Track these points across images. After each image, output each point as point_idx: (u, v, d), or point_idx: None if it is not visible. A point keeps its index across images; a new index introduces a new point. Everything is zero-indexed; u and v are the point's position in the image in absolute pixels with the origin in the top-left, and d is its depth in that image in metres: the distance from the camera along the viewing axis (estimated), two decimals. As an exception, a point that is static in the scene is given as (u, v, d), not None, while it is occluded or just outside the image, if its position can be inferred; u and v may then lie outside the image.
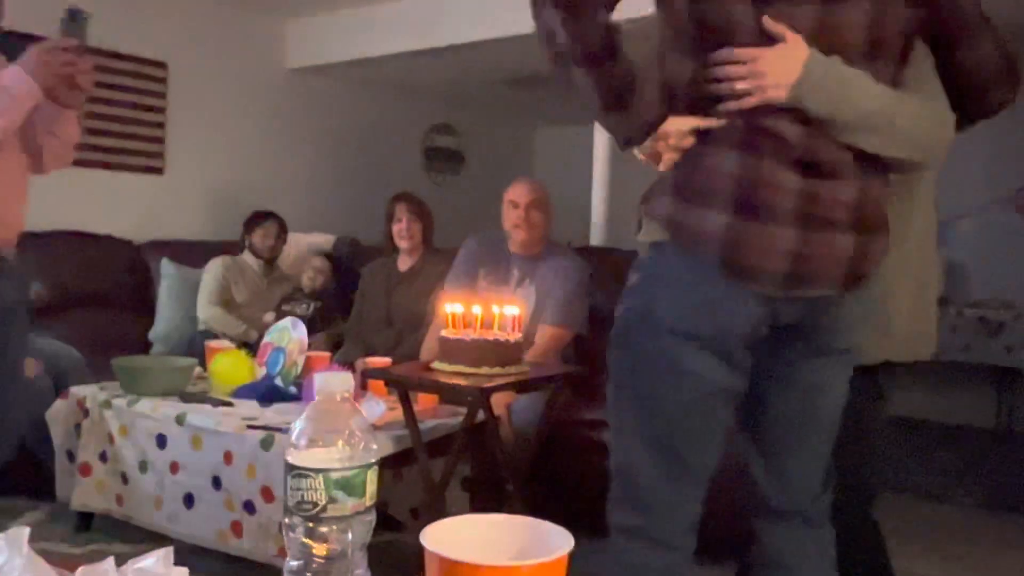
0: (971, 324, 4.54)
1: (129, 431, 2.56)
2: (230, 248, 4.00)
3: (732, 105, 1.24)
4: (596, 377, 3.01)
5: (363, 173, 5.41)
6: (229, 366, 2.77)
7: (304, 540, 0.68)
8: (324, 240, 4.38)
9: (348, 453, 0.68)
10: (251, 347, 3.07)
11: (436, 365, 2.36)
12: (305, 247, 4.23)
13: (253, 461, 2.28)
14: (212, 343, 3.02)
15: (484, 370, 2.29)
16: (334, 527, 0.68)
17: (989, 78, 1.36)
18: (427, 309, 3.26)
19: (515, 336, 2.37)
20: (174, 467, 2.46)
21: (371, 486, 0.68)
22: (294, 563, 0.69)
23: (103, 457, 2.60)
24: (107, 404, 2.60)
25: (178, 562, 0.73)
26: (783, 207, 1.21)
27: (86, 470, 2.61)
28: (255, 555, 2.27)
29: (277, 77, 4.91)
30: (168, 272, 3.97)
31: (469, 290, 2.96)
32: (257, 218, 3.99)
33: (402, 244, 3.46)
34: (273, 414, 2.49)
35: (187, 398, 2.63)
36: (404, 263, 3.51)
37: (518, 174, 6.36)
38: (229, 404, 2.59)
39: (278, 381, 2.72)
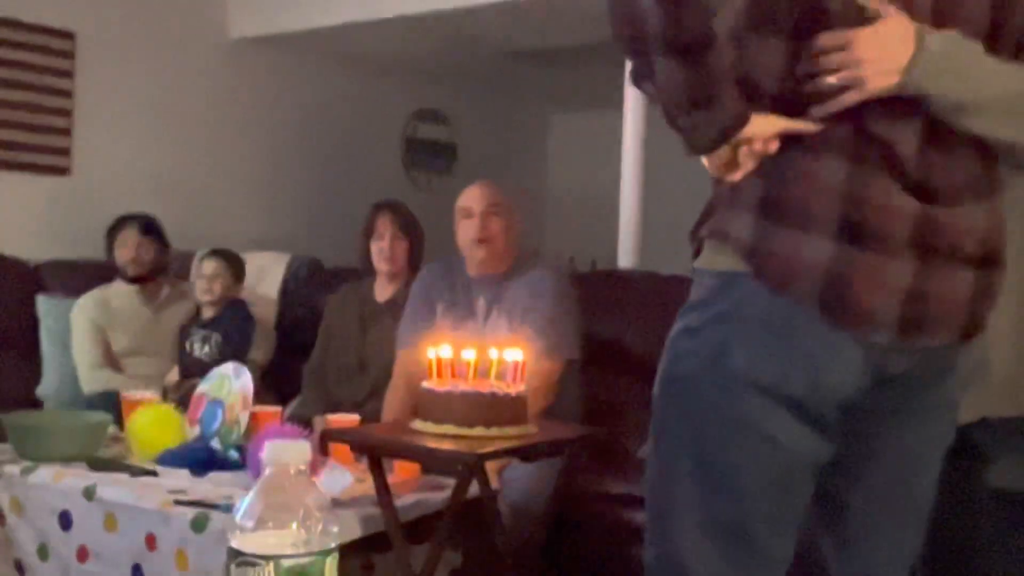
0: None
1: (24, 507, 2.60)
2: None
3: (831, 106, 1.27)
4: (621, 439, 3.08)
5: (327, 174, 5.43)
6: (152, 424, 2.81)
7: (251, 643, 0.74)
8: (275, 261, 4.40)
9: (304, 537, 0.74)
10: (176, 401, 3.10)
11: (417, 425, 2.39)
12: (252, 270, 4.25)
13: (183, 546, 2.31)
14: (130, 395, 3.04)
15: (478, 431, 2.32)
16: (287, 627, 0.74)
17: None
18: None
19: (517, 388, 2.41)
20: (82, 554, 2.49)
21: (330, 576, 0.75)
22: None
23: (-9, 541, 2.64)
24: (-4, 473, 2.64)
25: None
26: (899, 234, 1.25)
27: (-31, 558, 2.66)
28: (186, 668, 2.30)
29: (216, 51, 4.96)
30: (48, 310, 3.91)
31: (426, 332, 2.97)
32: (112, 229, 3.89)
33: (382, 267, 3.50)
34: (208, 486, 2.52)
35: (98, 465, 2.66)
36: (382, 291, 3.54)
37: (525, 173, 6.45)
38: (152, 473, 2.62)
39: (215, 444, 2.75)
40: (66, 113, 4.42)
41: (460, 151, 6.32)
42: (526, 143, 6.85)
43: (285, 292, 4.28)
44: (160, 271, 3.96)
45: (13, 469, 2.64)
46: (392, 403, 3.11)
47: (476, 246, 3.05)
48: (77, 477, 2.57)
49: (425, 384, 2.42)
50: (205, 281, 3.85)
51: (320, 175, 5.43)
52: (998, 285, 1.35)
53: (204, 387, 2.92)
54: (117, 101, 4.60)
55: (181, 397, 3.06)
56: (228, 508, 2.30)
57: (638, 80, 1.32)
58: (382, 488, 2.35)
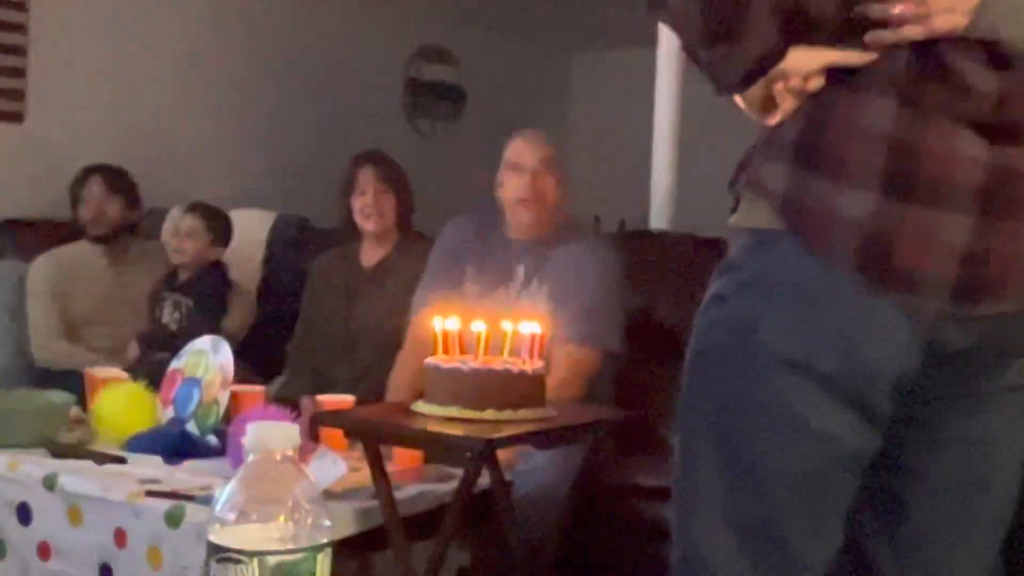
0: None
1: (-23, 499, 2.62)
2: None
3: (888, 36, 1.26)
4: (653, 423, 3.08)
5: (318, 121, 5.42)
6: (121, 405, 2.82)
7: (233, 648, 0.75)
8: (259, 220, 4.40)
9: (292, 531, 0.75)
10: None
11: (420, 407, 2.40)
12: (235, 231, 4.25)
13: (157, 543, 2.32)
14: (96, 371, 3.07)
15: (489, 414, 2.33)
16: (274, 631, 0.75)
17: None
18: (399, 325, 3.28)
19: (533, 365, 2.42)
20: (44, 550, 2.50)
21: (322, 575, 0.76)
22: None
23: (-59, 536, 2.65)
24: (-54, 460, 2.65)
25: None
26: (959, 185, 1.24)
27: (-84, 554, 2.67)
28: (160, 677, 2.32)
29: (191, -21, 4.97)
30: (3, 272, 3.95)
31: (451, 297, 2.98)
32: (81, 178, 3.93)
33: (367, 227, 3.51)
34: (185, 475, 2.54)
35: (60, 452, 2.67)
36: (370, 255, 3.56)
37: (545, 121, 6.41)
38: (121, 460, 2.64)
39: (191, 427, 2.77)
40: (20, 51, 4.41)
41: (469, 95, 6.30)
42: (544, 86, 6.83)
43: (270, 255, 4.30)
44: (127, 229, 3.99)
45: (-36, 456, 2.66)
46: (400, 379, 3.12)
47: (524, 206, 3.05)
48: (36, 465, 2.58)
49: (429, 360, 2.43)
50: (177, 239, 3.87)
51: (310, 122, 5.42)
52: None
53: (178, 363, 2.94)
54: (78, 37, 4.59)
55: (147, 373, 3.07)
56: (206, 500, 2.31)
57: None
58: (380, 478, 2.36)
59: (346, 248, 3.63)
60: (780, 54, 1.29)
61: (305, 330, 3.63)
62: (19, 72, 4.42)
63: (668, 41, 4.22)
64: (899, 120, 1.25)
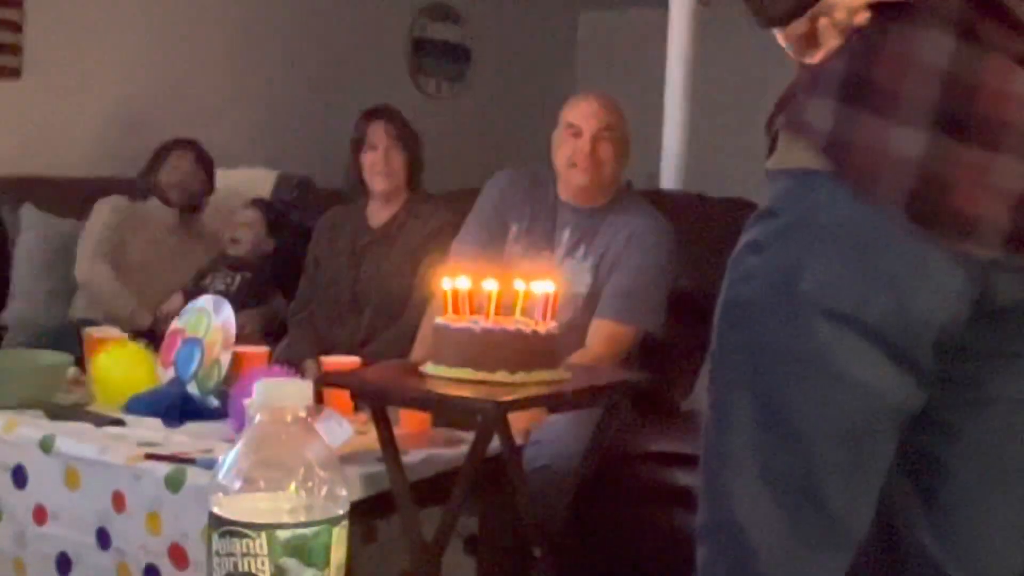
0: None
1: (-28, 461, 2.60)
2: (124, 190, 4.01)
3: None
4: (667, 388, 3.05)
5: (320, 79, 5.41)
6: (120, 366, 2.80)
7: (239, 631, 0.69)
8: (261, 179, 4.40)
9: (304, 502, 0.68)
10: (147, 339, 3.08)
11: (428, 369, 2.38)
12: (232, 190, 4.24)
13: (156, 507, 2.31)
14: (94, 331, 3.04)
15: (500, 376, 2.31)
16: (284, 612, 0.69)
17: None
18: (417, 284, 3.26)
19: (546, 326, 2.38)
20: (40, 515, 2.49)
21: (338, 550, 0.70)
22: (223, 664, 0.70)
23: (-66, 499, 2.64)
24: (-61, 420, 2.64)
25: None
26: (1015, 126, 1.20)
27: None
28: (159, 647, 2.31)
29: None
30: (31, 224, 4.00)
31: (491, 254, 2.96)
32: (164, 149, 4.02)
33: (377, 185, 3.48)
34: (185, 438, 2.52)
35: (57, 413, 2.65)
36: (378, 215, 3.53)
37: (552, 81, 6.39)
38: (120, 423, 2.62)
39: (192, 389, 2.74)
40: (17, 3, 4.35)
41: (475, 54, 6.29)
42: (552, 45, 6.82)
43: (270, 209, 4.24)
44: (201, 206, 4.10)
45: (-42, 416, 2.64)
46: (426, 336, 3.05)
47: (580, 172, 3.01)
48: (32, 427, 2.56)
49: (439, 320, 2.41)
50: (234, 227, 3.98)
51: (312, 80, 5.40)
52: None
53: (179, 323, 2.92)
54: (76, -10, 4.54)
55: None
56: (207, 463, 2.30)
57: None
58: (387, 442, 2.34)
59: (353, 206, 3.60)
60: None
61: (308, 290, 3.60)
62: (16, 27, 4.38)
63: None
64: (956, 55, 1.21)
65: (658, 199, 3.81)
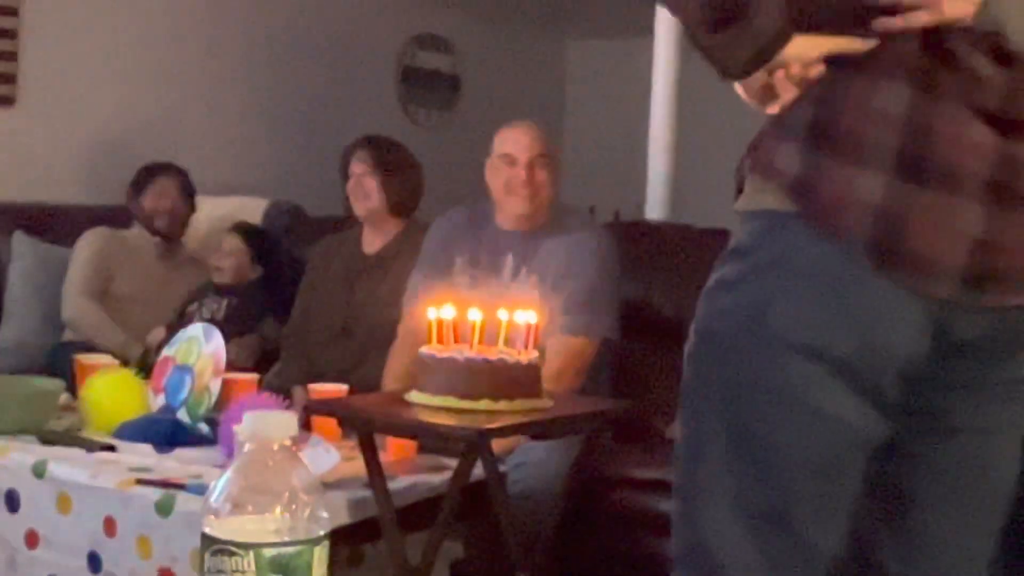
0: None
1: (-35, 486, 2.61)
2: (115, 218, 4.04)
3: (897, 23, 1.26)
4: (649, 415, 3.07)
5: (311, 108, 5.41)
6: (111, 392, 2.81)
7: (228, 644, 0.74)
8: (251, 207, 4.40)
9: (289, 523, 0.73)
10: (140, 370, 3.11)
11: (413, 397, 2.40)
12: (223, 218, 4.25)
13: (146, 531, 2.32)
14: (85, 358, 3.06)
15: (484, 404, 2.33)
16: (269, 625, 0.74)
17: None
18: (397, 314, 3.27)
19: (529, 355, 2.41)
20: (31, 539, 2.50)
21: (319, 568, 0.75)
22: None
23: (-73, 523, 2.65)
24: (-67, 446, 2.64)
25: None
26: (971, 172, 1.24)
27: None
28: (149, 669, 2.32)
29: (184, -37, 4.95)
30: (22, 251, 4.00)
31: (443, 292, 2.94)
32: (149, 173, 4.01)
33: (356, 210, 3.51)
34: (175, 463, 2.54)
35: (49, 439, 2.67)
36: (371, 242, 3.55)
37: (540, 109, 6.42)
38: (111, 448, 2.64)
39: (182, 415, 2.76)
40: (11, 34, 4.38)
41: (464, 83, 6.30)
42: (540, 75, 6.82)
43: (258, 237, 4.25)
44: (183, 232, 4.10)
45: (-48, 442, 2.65)
46: (393, 369, 3.12)
47: (518, 199, 3.06)
48: (25, 452, 2.58)
49: (424, 350, 2.42)
50: (220, 255, 3.96)
51: (303, 109, 5.41)
52: None
53: (170, 350, 2.93)
54: (71, 21, 4.56)
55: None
56: (197, 489, 2.31)
57: None
58: (373, 468, 2.36)
59: (347, 234, 3.63)
60: (785, 40, 1.28)
61: (302, 315, 3.62)
62: (11, 56, 4.39)
63: (665, 30, 4.22)
64: (913, 103, 1.25)
65: (643, 229, 3.88)
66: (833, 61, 1.30)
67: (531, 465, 2.71)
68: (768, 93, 1.33)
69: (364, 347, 3.40)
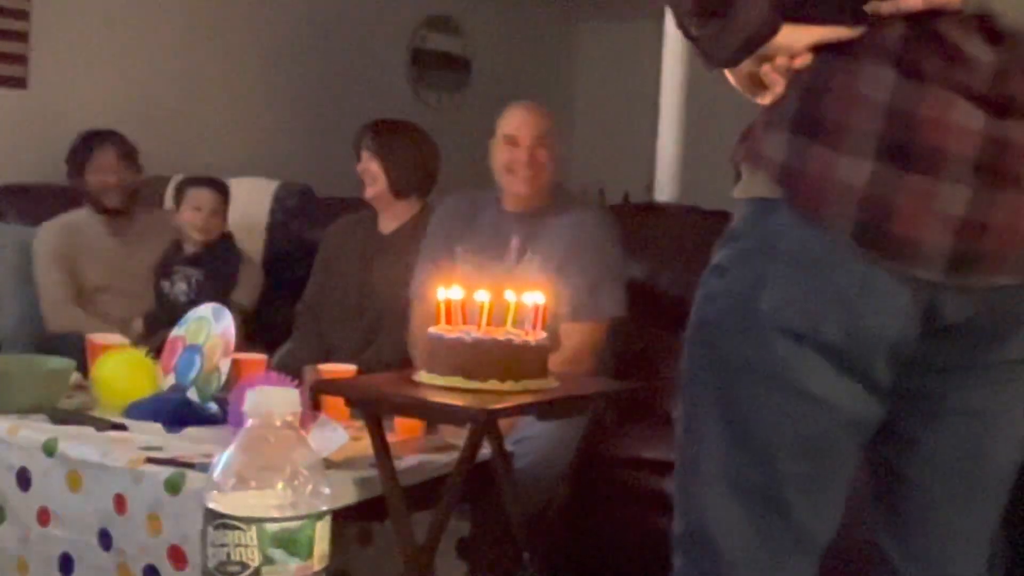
0: None
1: (-23, 464, 2.63)
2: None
3: (886, 7, 1.27)
4: (656, 395, 3.08)
5: (321, 90, 5.41)
6: (122, 371, 2.83)
7: (231, 615, 0.75)
8: (261, 188, 4.39)
9: (290, 498, 0.75)
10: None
11: (421, 377, 2.41)
12: (233, 200, 4.23)
13: (156, 509, 2.34)
14: (97, 337, 3.07)
15: (491, 384, 2.34)
16: (271, 598, 0.75)
17: None
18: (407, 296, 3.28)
19: (536, 336, 2.42)
20: (43, 516, 2.52)
21: (321, 543, 0.76)
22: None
23: (-60, 500, 2.67)
24: (-55, 424, 2.66)
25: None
26: (956, 155, 1.25)
27: (-84, 519, 2.68)
28: (159, 643, 2.34)
29: (195, -55, 4.95)
30: (7, 238, 3.93)
31: (444, 274, 2.95)
32: (87, 143, 3.85)
33: (366, 193, 3.54)
34: (185, 442, 2.55)
35: (60, 417, 2.68)
36: (388, 223, 3.56)
37: (550, 92, 6.41)
38: (122, 427, 2.65)
39: (192, 395, 2.78)
40: (23, 15, 4.38)
41: (475, 66, 6.29)
42: (550, 57, 6.82)
43: (272, 225, 4.28)
44: (135, 201, 3.94)
45: (-36, 421, 2.67)
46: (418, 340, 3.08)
47: (519, 179, 3.07)
48: (36, 431, 2.59)
49: (432, 330, 2.43)
50: (202, 216, 3.82)
51: (313, 91, 5.41)
52: None
53: (180, 331, 2.94)
54: (81, 2, 4.56)
55: (156, 350, 3.05)
56: (206, 467, 2.25)
57: None
58: (381, 448, 2.37)
59: (364, 214, 3.64)
60: (773, 31, 1.30)
61: (316, 293, 3.62)
62: (22, 37, 4.40)
63: (675, 12, 4.21)
64: (897, 89, 1.26)
65: (652, 211, 3.88)
66: (820, 50, 1.31)
67: (536, 444, 2.73)
68: (756, 83, 1.35)
69: (375, 327, 3.42)
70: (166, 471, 2.35)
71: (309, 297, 3.64)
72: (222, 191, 3.91)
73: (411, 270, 3.29)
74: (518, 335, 2.41)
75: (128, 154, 3.88)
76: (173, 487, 2.32)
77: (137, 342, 3.33)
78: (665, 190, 4.29)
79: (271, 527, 0.75)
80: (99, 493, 2.42)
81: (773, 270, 1.31)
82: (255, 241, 4.23)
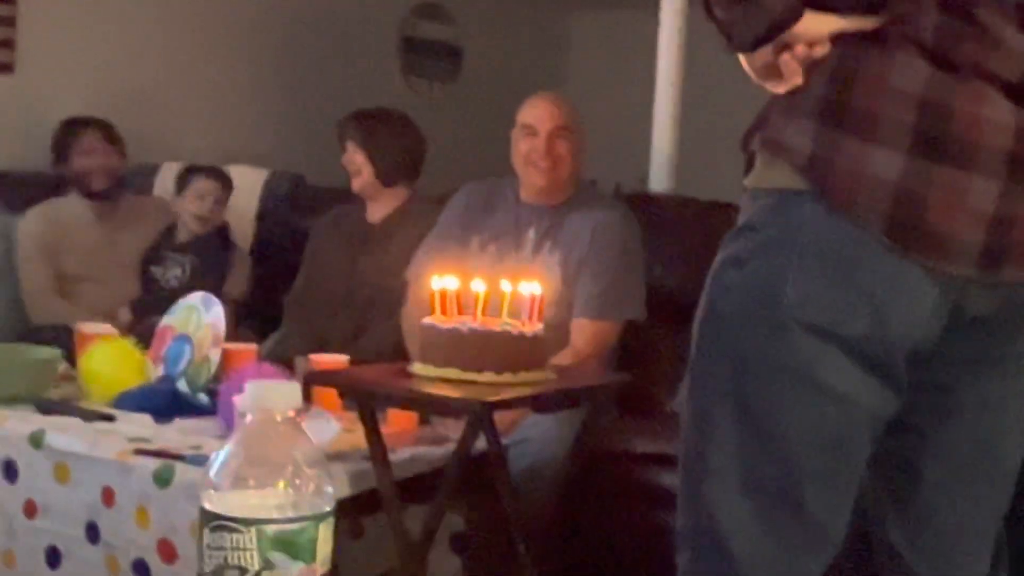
0: None
1: (-38, 455, 2.61)
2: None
3: None
4: (653, 388, 3.07)
5: (311, 78, 5.41)
6: (110, 362, 2.81)
7: (228, 622, 0.72)
8: (252, 176, 4.39)
9: (292, 498, 0.71)
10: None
11: (416, 369, 2.40)
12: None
13: (145, 502, 2.33)
14: (85, 326, 3.06)
15: (487, 376, 2.33)
16: (272, 604, 0.72)
17: None
18: (401, 283, 3.27)
19: (533, 327, 2.40)
20: (30, 508, 2.51)
21: (324, 546, 0.72)
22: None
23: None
24: (-70, 414, 2.65)
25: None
26: (988, 148, 1.24)
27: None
28: (148, 641, 2.33)
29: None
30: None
31: (456, 262, 2.96)
32: (71, 129, 3.86)
33: (353, 185, 3.54)
34: (174, 434, 2.54)
35: (47, 408, 2.67)
36: (376, 212, 3.56)
37: (544, 82, 6.39)
38: (110, 418, 2.64)
39: (182, 385, 2.76)
40: (10, 0, 4.35)
41: (467, 54, 6.28)
42: (543, 46, 6.82)
43: (262, 213, 4.27)
44: (121, 186, 3.93)
45: (-51, 411, 2.65)
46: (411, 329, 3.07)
47: (538, 171, 3.05)
48: (22, 421, 2.58)
49: (427, 320, 2.42)
50: (205, 206, 3.84)
51: (303, 79, 5.40)
52: None
53: (169, 319, 2.92)
54: (70, -13, 4.55)
55: (143, 338, 3.02)
56: (196, 459, 2.31)
57: None
58: (374, 440, 2.36)
59: (352, 206, 3.63)
60: (796, 16, 1.28)
61: (305, 283, 3.63)
62: (9, 21, 4.37)
63: (670, 2, 4.20)
64: (930, 80, 1.25)
65: (647, 202, 3.85)
66: (847, 38, 1.29)
67: (534, 439, 2.71)
68: (772, 72, 1.32)
69: (365, 316, 3.42)
70: (155, 463, 2.34)
71: (298, 290, 3.63)
72: (225, 182, 3.93)
73: (401, 258, 3.28)
74: (514, 326, 2.39)
75: (113, 138, 3.88)
76: (162, 480, 2.31)
77: (125, 330, 3.31)
78: (660, 180, 4.27)
79: (271, 529, 0.71)
80: (87, 485, 2.42)
81: (798, 264, 1.29)
82: (245, 229, 4.21)
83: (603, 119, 6.47)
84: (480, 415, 2.28)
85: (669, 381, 3.07)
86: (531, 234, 3.06)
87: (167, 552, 2.30)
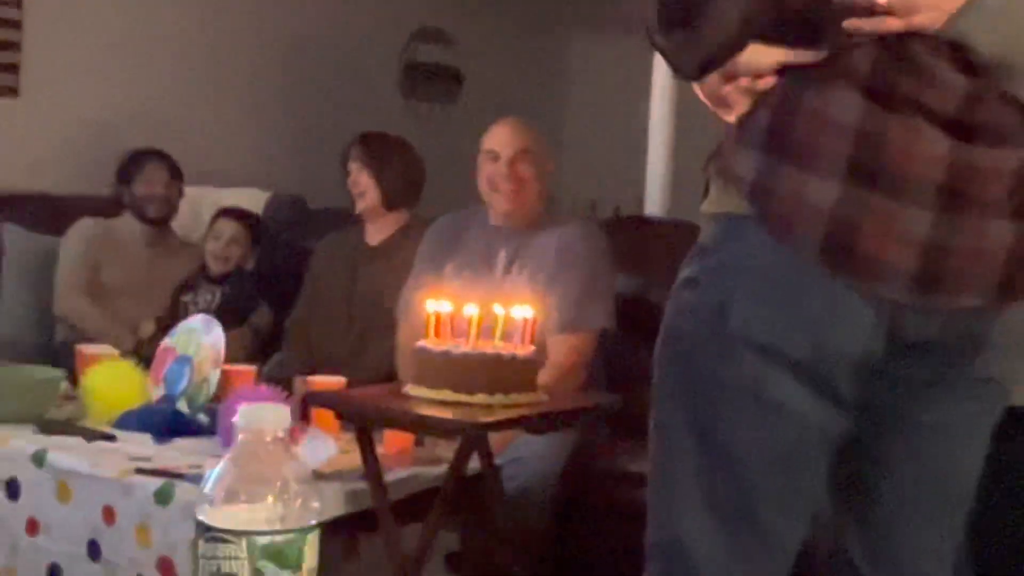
0: None
1: (-35, 474, 2.63)
2: (107, 208, 4.03)
3: (868, 25, 1.28)
4: (646, 409, 3.09)
5: (313, 101, 5.42)
6: (111, 382, 2.84)
7: (221, 628, 0.77)
8: (253, 198, 4.41)
9: (281, 512, 0.76)
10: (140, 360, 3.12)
11: (410, 390, 2.42)
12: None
13: (145, 520, 2.35)
14: (86, 347, 3.08)
15: (480, 398, 2.35)
16: (261, 611, 0.77)
17: None
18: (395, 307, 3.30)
19: (525, 350, 2.44)
20: (32, 526, 2.53)
21: (310, 557, 0.77)
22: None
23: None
24: (-67, 434, 2.66)
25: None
26: (921, 179, 1.27)
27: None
28: (147, 655, 2.35)
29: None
30: (16, 241, 3.99)
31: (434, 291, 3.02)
32: (136, 160, 4.00)
33: (357, 206, 3.57)
34: (174, 453, 2.56)
35: (49, 428, 2.70)
36: (374, 234, 3.59)
37: (542, 105, 6.43)
38: (111, 438, 2.67)
39: (182, 406, 2.79)
40: (16, 24, 4.40)
41: (466, 78, 6.30)
42: (543, 69, 6.81)
43: (264, 235, 4.26)
44: (173, 216, 4.07)
45: (-48, 431, 2.67)
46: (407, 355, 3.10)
47: (501, 195, 3.10)
48: (25, 441, 2.60)
49: (421, 343, 2.44)
50: (221, 245, 3.92)
51: (305, 102, 5.41)
52: None
53: (170, 341, 2.95)
54: (74, 11, 4.57)
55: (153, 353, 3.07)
56: (196, 478, 2.33)
57: None
58: (370, 460, 2.39)
59: (349, 229, 3.67)
60: (739, 47, 1.32)
61: (306, 305, 3.65)
62: (14, 46, 4.41)
63: (667, 26, 4.23)
64: (867, 113, 1.29)
65: (642, 225, 3.89)
66: (789, 70, 1.33)
67: (527, 460, 2.73)
68: (721, 100, 1.37)
69: (364, 337, 3.44)
70: (156, 482, 2.36)
71: (299, 310, 3.66)
72: (247, 223, 4.00)
73: (399, 279, 3.31)
74: (507, 349, 2.42)
75: (174, 172, 4.04)
76: (162, 498, 2.33)
77: (143, 344, 3.40)
78: (655, 204, 4.30)
79: (261, 540, 0.76)
80: (88, 503, 2.44)
81: (743, 286, 1.34)
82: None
83: (601, 141, 6.53)
84: (473, 436, 2.31)
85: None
86: (502, 256, 3.10)
87: (167, 570, 2.32)
